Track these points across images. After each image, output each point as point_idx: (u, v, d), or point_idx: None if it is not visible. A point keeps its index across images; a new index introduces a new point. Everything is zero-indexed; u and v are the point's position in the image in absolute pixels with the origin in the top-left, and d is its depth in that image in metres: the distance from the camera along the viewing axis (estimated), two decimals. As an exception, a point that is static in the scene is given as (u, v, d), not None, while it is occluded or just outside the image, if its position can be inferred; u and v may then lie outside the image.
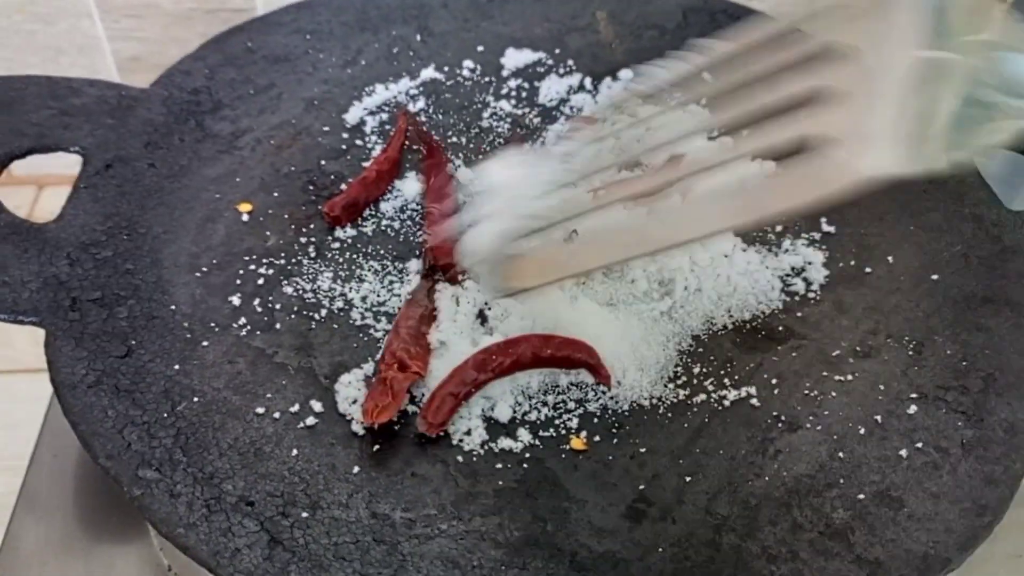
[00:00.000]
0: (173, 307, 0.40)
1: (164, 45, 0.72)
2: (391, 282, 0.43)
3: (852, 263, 0.44)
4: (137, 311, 0.39)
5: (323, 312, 0.41)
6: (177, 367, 0.37)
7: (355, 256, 0.44)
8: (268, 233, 0.44)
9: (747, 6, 0.59)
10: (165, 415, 0.35)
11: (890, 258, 0.44)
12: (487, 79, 0.55)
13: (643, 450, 0.36)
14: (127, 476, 0.32)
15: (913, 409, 0.38)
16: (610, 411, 0.38)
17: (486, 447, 0.36)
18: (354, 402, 0.37)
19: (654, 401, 0.38)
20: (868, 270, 0.44)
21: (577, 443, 0.36)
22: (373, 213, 0.46)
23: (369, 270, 0.43)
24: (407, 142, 0.49)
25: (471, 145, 0.51)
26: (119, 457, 0.33)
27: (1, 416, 0.68)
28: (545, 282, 0.37)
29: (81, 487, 0.44)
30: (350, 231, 0.45)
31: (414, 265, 0.43)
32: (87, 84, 0.48)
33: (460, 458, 0.36)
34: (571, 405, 0.38)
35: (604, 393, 0.38)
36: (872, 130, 0.27)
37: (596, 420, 0.37)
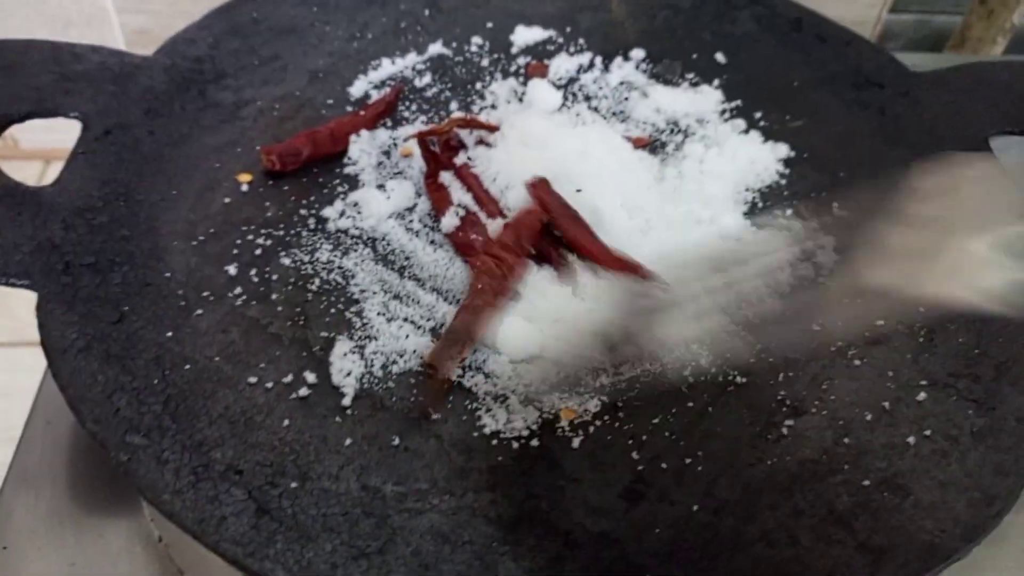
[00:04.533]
0: (168, 274, 0.39)
1: (172, 18, 0.71)
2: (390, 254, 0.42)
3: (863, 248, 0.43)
4: (131, 277, 0.38)
5: (319, 284, 0.40)
6: (169, 334, 0.36)
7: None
8: (267, 204, 0.44)
9: (763, -13, 0.58)
10: (155, 382, 0.34)
11: (903, 244, 0.43)
12: (496, 56, 0.54)
13: (643, 431, 0.35)
14: (114, 441, 0.32)
15: (922, 396, 0.37)
16: (610, 390, 0.37)
17: (483, 423, 0.35)
18: (348, 374, 0.36)
19: (656, 382, 0.37)
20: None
21: (567, 413, 0.36)
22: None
23: (367, 244, 0.42)
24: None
25: (477, 121, 0.50)
26: (107, 422, 0.32)
27: (2, 387, 0.67)
28: None
29: (74, 457, 0.44)
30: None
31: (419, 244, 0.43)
32: (90, 50, 0.47)
33: (455, 434, 0.35)
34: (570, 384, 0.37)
35: (605, 372, 0.37)
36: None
37: (596, 400, 0.36)
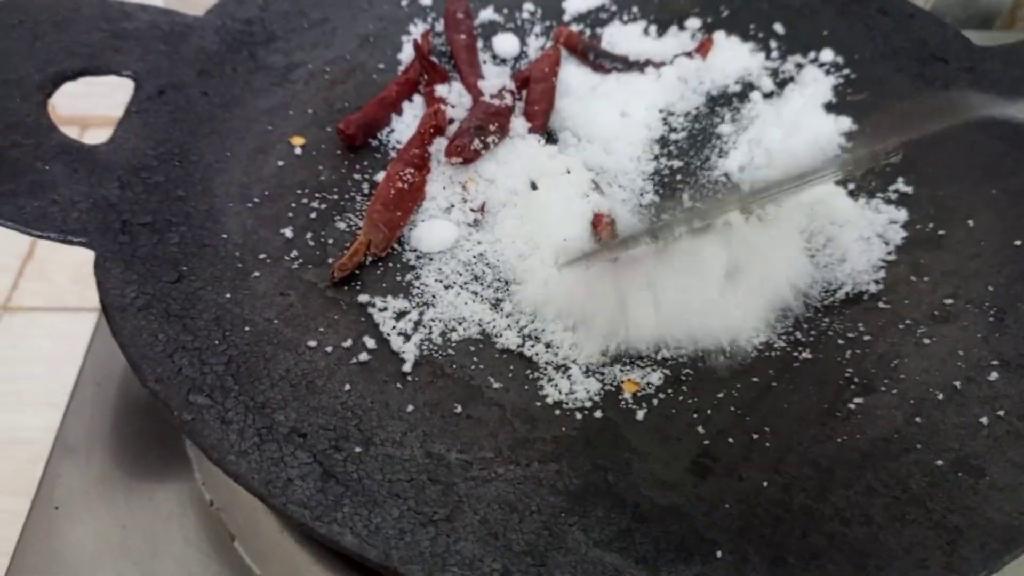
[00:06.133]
0: (224, 236, 0.38)
1: (213, -18, 0.70)
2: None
3: (931, 225, 0.42)
4: (188, 238, 0.38)
5: (377, 249, 0.39)
6: (228, 296, 0.36)
7: (410, 195, 0.42)
8: (321, 167, 0.43)
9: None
10: (216, 342, 0.34)
11: (970, 222, 0.42)
12: (547, 23, 0.53)
13: (707, 406, 0.35)
14: (177, 401, 0.31)
15: (994, 376, 0.36)
16: (672, 363, 0.36)
17: (545, 393, 0.35)
18: (407, 340, 0.36)
19: (719, 356, 0.36)
20: (947, 233, 0.42)
21: (630, 386, 0.35)
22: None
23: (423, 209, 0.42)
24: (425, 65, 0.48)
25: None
26: (169, 381, 0.32)
27: (42, 353, 0.67)
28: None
29: (123, 420, 0.43)
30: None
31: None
32: (139, 8, 0.46)
33: (517, 403, 0.34)
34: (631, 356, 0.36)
35: (666, 346, 0.37)
36: None
37: (659, 373, 0.36)
